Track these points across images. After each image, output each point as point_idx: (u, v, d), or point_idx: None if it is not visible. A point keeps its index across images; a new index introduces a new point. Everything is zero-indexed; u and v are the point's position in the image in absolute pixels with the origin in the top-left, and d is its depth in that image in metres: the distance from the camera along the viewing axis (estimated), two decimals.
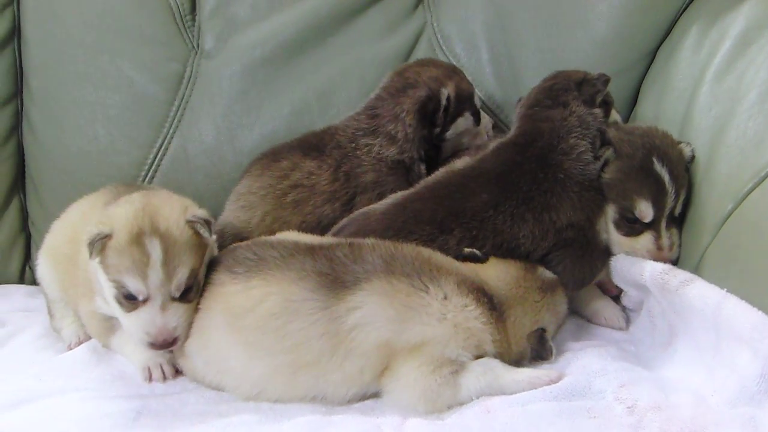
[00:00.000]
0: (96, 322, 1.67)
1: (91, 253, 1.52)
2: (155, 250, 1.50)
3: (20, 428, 1.41)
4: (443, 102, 1.95)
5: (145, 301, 1.53)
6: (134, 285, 1.51)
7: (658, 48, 2.07)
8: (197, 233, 1.56)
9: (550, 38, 2.14)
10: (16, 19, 2.27)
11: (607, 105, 1.81)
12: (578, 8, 2.11)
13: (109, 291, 1.56)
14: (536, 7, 2.16)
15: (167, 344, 1.54)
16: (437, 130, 1.98)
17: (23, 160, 2.31)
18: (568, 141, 1.70)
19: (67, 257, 1.78)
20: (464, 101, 2.00)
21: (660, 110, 1.92)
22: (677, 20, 2.03)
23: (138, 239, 1.50)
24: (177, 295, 1.53)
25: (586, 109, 1.75)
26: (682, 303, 1.46)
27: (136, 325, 1.54)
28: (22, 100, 2.29)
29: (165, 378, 1.59)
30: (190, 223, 1.55)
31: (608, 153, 1.70)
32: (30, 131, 2.28)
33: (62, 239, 1.85)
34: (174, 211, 1.55)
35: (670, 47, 2.00)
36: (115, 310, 1.58)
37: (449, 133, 2.00)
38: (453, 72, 2.03)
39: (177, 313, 1.53)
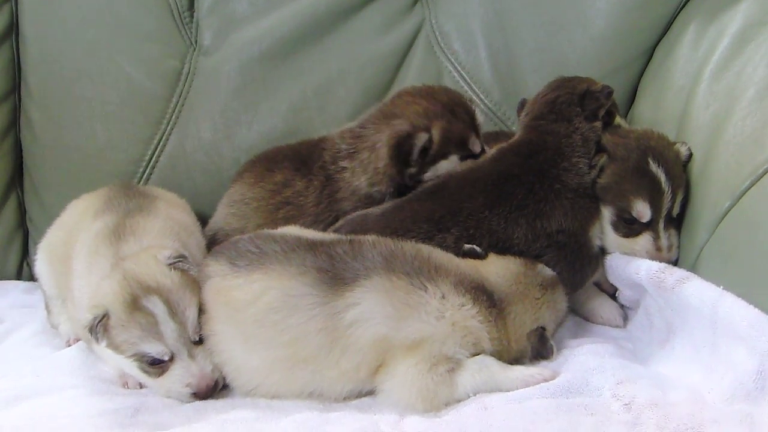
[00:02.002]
0: (81, 328, 1.64)
1: (97, 339, 1.49)
2: (157, 306, 1.48)
3: (18, 425, 1.40)
4: (417, 144, 1.78)
5: (171, 359, 1.51)
6: (155, 349, 1.49)
7: (656, 45, 2.07)
8: (182, 271, 1.54)
9: (549, 35, 2.14)
10: (14, 15, 2.27)
11: (610, 114, 1.80)
12: (577, 5, 2.11)
13: (132, 368, 1.54)
14: (535, 4, 2.16)
15: (210, 390, 1.52)
16: (411, 170, 1.81)
17: (21, 157, 2.31)
18: (571, 159, 1.71)
19: (61, 259, 1.78)
20: (452, 144, 1.81)
21: (658, 107, 1.92)
22: (675, 17, 2.03)
23: (136, 305, 1.48)
24: (197, 338, 1.52)
25: (588, 124, 1.74)
26: (678, 301, 1.46)
27: (174, 385, 1.51)
28: (20, 96, 2.29)
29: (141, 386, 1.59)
30: (172, 265, 1.53)
31: (602, 160, 1.71)
32: (28, 128, 2.28)
33: (58, 240, 1.85)
34: (150, 264, 1.53)
35: (669, 44, 2.00)
36: (146, 381, 1.56)
37: (427, 175, 1.82)
38: (449, 110, 1.82)
39: (206, 357, 1.52)
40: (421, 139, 1.78)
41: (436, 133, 1.80)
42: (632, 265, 1.64)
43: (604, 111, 1.75)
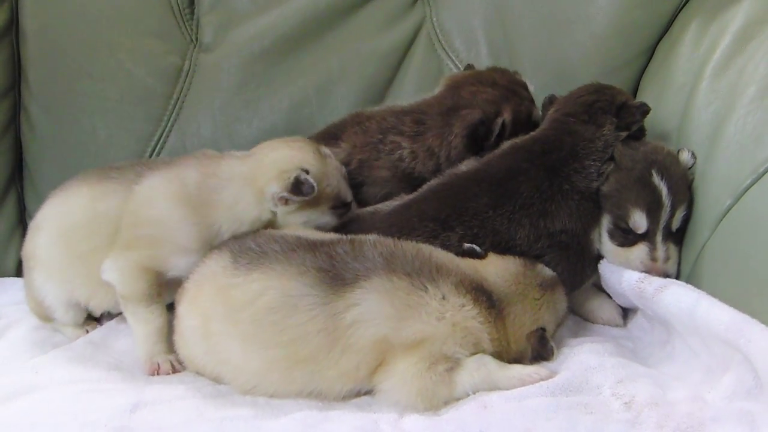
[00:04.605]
0: (148, 275, 1.65)
1: (303, 192, 1.61)
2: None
3: (17, 421, 1.40)
4: (496, 130, 1.86)
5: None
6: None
7: (657, 43, 2.06)
8: None
9: (550, 33, 2.13)
10: (14, 11, 2.26)
11: (641, 131, 1.79)
12: (578, 3, 2.10)
13: (325, 216, 1.71)
14: (536, 2, 2.15)
15: None
16: (482, 153, 1.86)
17: (21, 153, 2.30)
18: (584, 162, 1.71)
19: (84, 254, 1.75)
20: (521, 124, 1.89)
21: (659, 106, 1.91)
22: (677, 15, 2.03)
23: (321, 153, 1.74)
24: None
25: (616, 134, 1.74)
26: (660, 310, 1.48)
27: None
28: (19, 92, 2.28)
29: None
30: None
31: (609, 169, 1.71)
32: (27, 124, 2.27)
33: (66, 242, 1.81)
34: None
35: (670, 42, 2.00)
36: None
37: None
38: (512, 92, 1.91)
39: None
40: (498, 124, 1.86)
41: (507, 118, 1.89)
42: (615, 276, 1.65)
43: (637, 127, 1.76)
